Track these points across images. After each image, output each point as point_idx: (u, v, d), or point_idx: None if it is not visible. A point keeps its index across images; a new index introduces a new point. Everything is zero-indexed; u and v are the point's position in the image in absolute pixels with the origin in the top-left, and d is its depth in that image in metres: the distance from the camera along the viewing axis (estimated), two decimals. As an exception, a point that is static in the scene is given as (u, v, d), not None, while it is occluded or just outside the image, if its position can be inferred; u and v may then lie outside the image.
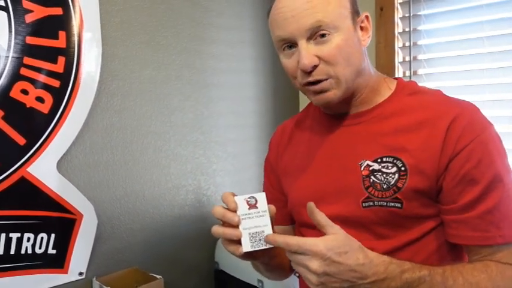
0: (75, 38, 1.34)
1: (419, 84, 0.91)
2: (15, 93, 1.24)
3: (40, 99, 1.28)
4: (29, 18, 1.24)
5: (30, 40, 1.25)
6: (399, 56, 1.78)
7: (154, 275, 1.44)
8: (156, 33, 1.59)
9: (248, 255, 0.77)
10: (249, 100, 1.94)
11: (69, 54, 1.33)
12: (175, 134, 1.66)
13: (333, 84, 0.81)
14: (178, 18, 1.65)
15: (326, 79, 0.80)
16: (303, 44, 0.79)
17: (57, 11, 1.30)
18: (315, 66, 0.79)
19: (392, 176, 0.79)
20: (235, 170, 1.88)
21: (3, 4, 1.20)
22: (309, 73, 0.80)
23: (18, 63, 1.24)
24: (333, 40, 0.78)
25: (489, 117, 0.81)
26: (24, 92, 1.25)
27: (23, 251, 1.29)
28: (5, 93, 1.22)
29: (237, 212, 0.75)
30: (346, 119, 0.89)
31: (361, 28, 0.84)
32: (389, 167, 0.80)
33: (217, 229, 0.76)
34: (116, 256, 1.51)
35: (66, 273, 1.39)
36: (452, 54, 1.65)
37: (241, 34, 1.88)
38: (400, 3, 1.75)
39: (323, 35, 0.78)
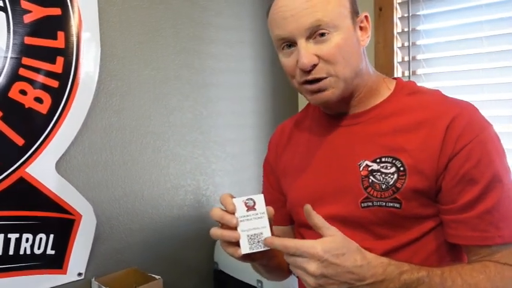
0: (74, 38, 1.34)
1: (419, 84, 0.91)
2: (13, 93, 1.24)
3: (39, 100, 1.28)
4: (28, 18, 1.24)
5: (28, 40, 1.25)
6: (398, 56, 1.78)
7: (153, 275, 1.44)
8: (155, 33, 1.59)
9: (247, 257, 0.77)
10: (248, 100, 1.94)
11: (68, 55, 1.33)
12: (174, 134, 1.66)
13: (332, 82, 0.81)
14: (177, 18, 1.65)
15: (325, 77, 0.80)
16: (302, 43, 0.79)
17: (56, 11, 1.29)
18: (314, 66, 0.79)
19: (391, 176, 0.79)
20: (234, 170, 1.88)
21: (1, 4, 1.19)
22: (308, 72, 0.80)
23: (17, 64, 1.23)
24: (333, 39, 0.78)
25: (488, 117, 0.81)
26: (23, 92, 1.25)
27: (21, 252, 1.29)
28: (3, 94, 1.22)
29: (235, 214, 0.75)
30: (345, 119, 0.89)
31: (361, 28, 0.84)
32: (388, 167, 0.80)
33: (215, 231, 0.77)
34: (115, 256, 1.51)
35: (65, 273, 1.39)
36: (451, 54, 1.65)
37: (240, 34, 1.88)
38: (399, 3, 1.75)
39: (322, 34, 0.78)
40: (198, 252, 1.76)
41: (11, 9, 1.21)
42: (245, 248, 0.74)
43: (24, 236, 1.29)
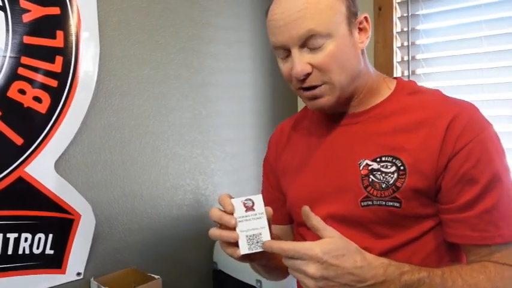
0: (73, 38, 1.33)
1: (418, 83, 0.91)
2: (12, 93, 1.23)
3: (38, 99, 1.28)
4: (27, 17, 1.24)
5: (27, 40, 1.24)
6: (397, 56, 1.78)
7: (152, 275, 1.44)
8: (154, 32, 1.59)
9: (246, 257, 0.77)
10: (247, 100, 1.93)
11: (67, 54, 1.32)
12: (173, 133, 1.66)
13: (327, 90, 0.82)
14: (177, 17, 1.65)
15: (320, 85, 0.81)
16: (295, 52, 0.79)
17: (55, 10, 1.29)
18: (308, 74, 0.80)
19: (391, 176, 0.79)
20: (233, 170, 1.88)
21: (0, 4, 1.19)
22: (302, 80, 0.81)
23: (16, 63, 1.23)
24: (326, 47, 0.78)
25: (488, 117, 0.81)
26: (22, 91, 1.25)
27: (20, 251, 1.29)
28: (2, 93, 1.22)
29: (234, 214, 0.75)
30: (345, 118, 0.89)
31: (360, 29, 0.84)
32: (388, 167, 0.80)
33: (214, 231, 0.76)
34: (114, 256, 1.51)
35: (64, 273, 1.38)
36: (451, 54, 1.65)
37: (239, 34, 1.88)
38: (398, 3, 1.75)
39: (316, 43, 0.78)
40: (197, 252, 1.76)
41: (10, 9, 1.21)
42: (244, 249, 0.74)
43: (23, 235, 1.29)
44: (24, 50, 1.24)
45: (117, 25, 1.48)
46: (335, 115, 0.90)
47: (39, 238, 1.32)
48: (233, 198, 0.76)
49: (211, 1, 1.76)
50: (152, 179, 1.60)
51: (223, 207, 0.76)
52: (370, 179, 0.81)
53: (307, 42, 0.78)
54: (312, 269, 0.66)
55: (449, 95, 0.85)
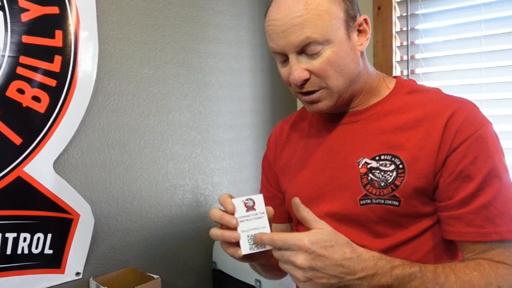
0: (72, 37, 1.33)
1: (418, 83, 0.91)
2: (11, 92, 1.23)
3: (36, 99, 1.28)
4: (25, 17, 1.24)
5: (26, 39, 1.24)
6: (397, 55, 1.78)
7: (151, 274, 1.44)
8: (153, 32, 1.59)
9: (247, 257, 0.76)
10: (246, 99, 1.93)
11: (66, 54, 1.32)
12: (172, 133, 1.66)
13: (324, 94, 0.82)
14: (176, 17, 1.65)
15: (318, 90, 0.82)
16: (293, 58, 0.80)
17: (54, 9, 1.29)
18: (306, 80, 0.81)
19: (390, 174, 0.79)
20: (232, 169, 1.88)
21: (-1, 3, 1.19)
22: (300, 85, 0.81)
23: (15, 63, 1.23)
24: (324, 54, 0.79)
25: (487, 116, 0.81)
26: (21, 91, 1.25)
27: (19, 251, 1.29)
28: (1, 93, 1.21)
29: (235, 214, 0.74)
30: (344, 117, 0.89)
31: (360, 31, 0.84)
32: (388, 165, 0.80)
33: (215, 232, 0.76)
34: (113, 256, 1.51)
35: (63, 273, 1.38)
36: (450, 53, 1.65)
37: (238, 33, 1.88)
38: (397, 3, 1.75)
39: (313, 49, 0.78)
40: (197, 252, 1.76)
41: (9, 8, 1.21)
42: (245, 249, 0.73)
43: (22, 235, 1.29)
44: (23, 49, 1.24)
45: (116, 24, 1.48)
46: (334, 114, 0.91)
47: (38, 238, 1.32)
48: (234, 198, 0.76)
49: (210, 0, 1.76)
50: (151, 178, 1.60)
51: (223, 207, 0.76)
52: (369, 178, 0.81)
53: (304, 49, 0.79)
54: (300, 259, 0.66)
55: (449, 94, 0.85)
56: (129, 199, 1.54)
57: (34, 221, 1.31)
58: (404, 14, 1.73)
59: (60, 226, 1.36)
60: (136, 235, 1.57)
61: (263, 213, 0.74)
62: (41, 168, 1.30)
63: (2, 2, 1.20)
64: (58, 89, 1.32)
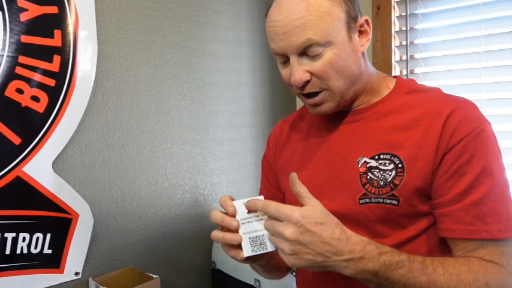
0: (71, 37, 1.33)
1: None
2: (10, 92, 1.23)
3: (35, 99, 1.28)
4: (24, 16, 1.24)
5: (25, 39, 1.24)
6: (396, 55, 1.78)
7: (150, 274, 1.44)
8: (153, 31, 1.59)
9: (248, 259, 0.76)
10: (245, 99, 1.93)
11: (65, 53, 1.32)
12: (171, 133, 1.66)
13: (326, 96, 0.82)
14: (175, 16, 1.65)
15: (320, 91, 0.82)
16: (294, 60, 0.80)
17: (53, 9, 1.29)
18: (307, 81, 0.81)
19: (389, 173, 0.79)
20: (231, 169, 1.88)
21: (-3, 2, 1.19)
22: (302, 87, 0.82)
23: (13, 62, 1.23)
24: (325, 55, 0.79)
25: (486, 116, 0.80)
26: (20, 91, 1.25)
27: (18, 251, 1.28)
28: (0, 93, 1.21)
29: (236, 216, 0.74)
30: (344, 116, 0.90)
31: (361, 32, 0.84)
32: (387, 164, 0.80)
33: (216, 234, 0.76)
34: (112, 256, 1.51)
35: (62, 273, 1.38)
36: (449, 53, 1.65)
37: (238, 33, 1.88)
38: (396, 2, 1.75)
39: (315, 51, 0.78)
40: (196, 252, 1.75)
41: (8, 8, 1.20)
42: (247, 251, 0.73)
43: (21, 235, 1.29)
44: (21, 49, 1.24)
45: (115, 24, 1.48)
46: (334, 113, 0.91)
47: (37, 238, 1.32)
48: (234, 200, 0.75)
49: (209, 0, 1.76)
50: (150, 178, 1.60)
51: (224, 209, 0.75)
52: (368, 177, 0.81)
53: (306, 50, 0.78)
54: (288, 230, 0.66)
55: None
56: (128, 199, 1.54)
57: (33, 221, 1.30)
58: (403, 14, 1.73)
59: (59, 226, 1.36)
60: (136, 235, 1.57)
61: (264, 214, 0.74)
62: (40, 168, 1.30)
63: (1, 2, 1.19)
64: (57, 88, 1.31)
